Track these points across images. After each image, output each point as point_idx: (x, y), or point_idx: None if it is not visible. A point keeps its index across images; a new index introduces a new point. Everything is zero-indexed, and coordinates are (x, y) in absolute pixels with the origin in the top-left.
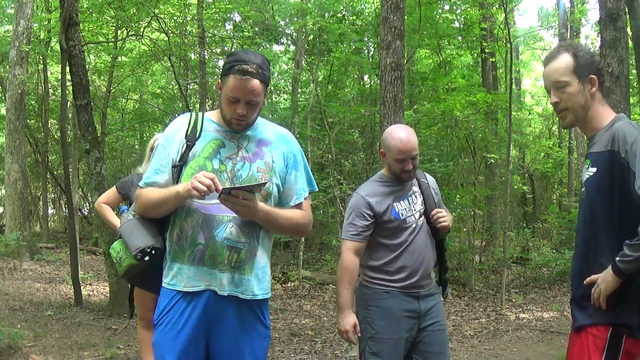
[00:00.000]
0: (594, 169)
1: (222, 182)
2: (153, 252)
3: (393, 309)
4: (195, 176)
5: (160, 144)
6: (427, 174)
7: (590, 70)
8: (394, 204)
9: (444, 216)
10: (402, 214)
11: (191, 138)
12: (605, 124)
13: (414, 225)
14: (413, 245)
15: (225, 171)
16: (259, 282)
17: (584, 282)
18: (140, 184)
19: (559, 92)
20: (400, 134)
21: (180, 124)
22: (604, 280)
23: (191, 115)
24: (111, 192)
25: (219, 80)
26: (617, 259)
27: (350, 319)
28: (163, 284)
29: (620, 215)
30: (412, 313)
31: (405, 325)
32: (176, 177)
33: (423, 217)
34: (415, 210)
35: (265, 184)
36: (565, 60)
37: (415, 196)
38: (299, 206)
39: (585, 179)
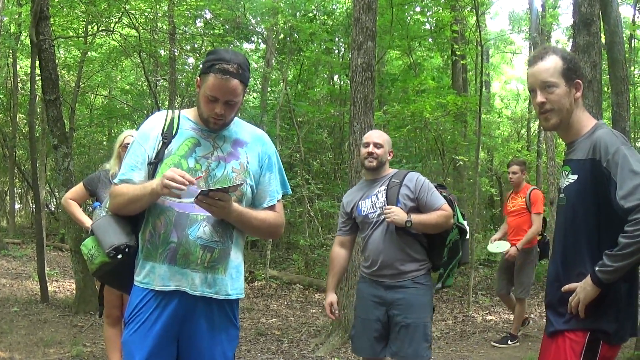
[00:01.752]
0: (575, 177)
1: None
2: (127, 250)
3: (364, 292)
4: (164, 175)
5: (136, 140)
6: (415, 177)
7: (577, 75)
8: (359, 202)
9: (388, 211)
10: (364, 211)
11: (167, 135)
12: (586, 131)
13: (375, 220)
14: (372, 238)
15: (200, 170)
16: (232, 282)
17: (562, 289)
18: (115, 180)
19: (545, 93)
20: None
21: (156, 121)
22: (583, 289)
23: (167, 112)
24: (78, 188)
25: (198, 78)
26: (597, 268)
27: (328, 298)
28: (135, 282)
29: (600, 224)
30: (378, 299)
31: (373, 309)
32: (151, 175)
33: None
34: (377, 207)
35: (241, 184)
36: (554, 61)
37: (380, 195)
38: (271, 208)
39: (565, 185)
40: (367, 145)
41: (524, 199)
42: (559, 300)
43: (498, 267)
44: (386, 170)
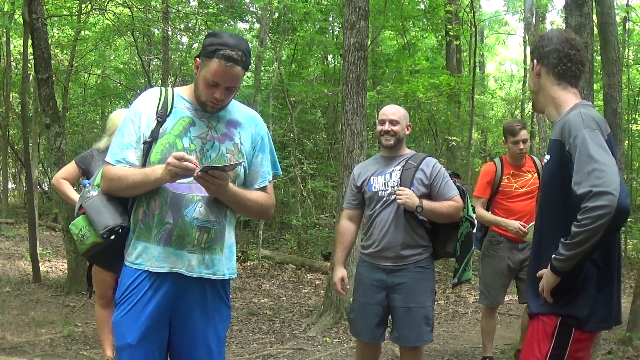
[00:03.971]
0: (549, 157)
1: None
2: (120, 231)
3: (363, 275)
4: (169, 162)
5: (128, 117)
6: (432, 163)
7: (533, 55)
8: (372, 178)
9: (401, 193)
10: (375, 187)
11: (162, 114)
12: (565, 110)
13: (385, 198)
14: (380, 216)
15: (194, 150)
16: (227, 262)
17: (537, 274)
18: (109, 160)
19: None
20: (388, 105)
21: (149, 99)
22: (546, 275)
23: (161, 90)
24: (70, 167)
25: (197, 59)
26: (553, 256)
27: (337, 273)
28: (126, 263)
29: (568, 208)
30: (379, 283)
31: (374, 294)
32: (146, 153)
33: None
34: (388, 186)
35: (239, 163)
36: None
37: (395, 173)
38: (263, 189)
39: (544, 165)
40: (382, 122)
41: (535, 174)
42: (537, 283)
43: (491, 271)
44: (403, 148)
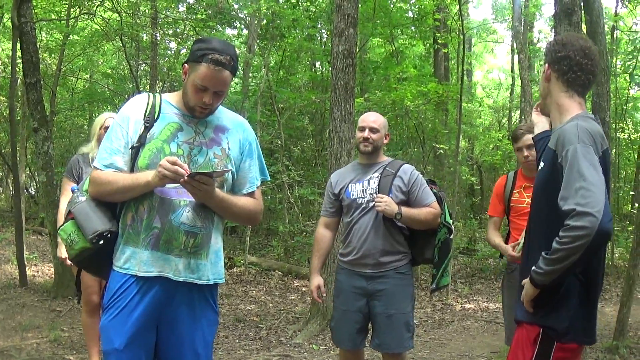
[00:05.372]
0: (543, 164)
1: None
2: (109, 236)
3: (343, 283)
4: (161, 165)
5: (117, 123)
6: (410, 170)
7: (545, 59)
8: (350, 185)
9: (380, 200)
10: (353, 195)
11: (149, 119)
12: (566, 119)
13: (363, 206)
14: (359, 223)
15: (182, 155)
16: (212, 267)
17: (522, 282)
18: (97, 165)
19: None
20: (368, 113)
21: (137, 104)
22: (525, 286)
23: (149, 96)
24: (65, 187)
25: (185, 64)
26: (533, 269)
27: (314, 281)
28: (114, 268)
29: (554, 219)
30: (359, 290)
31: (354, 301)
32: (133, 158)
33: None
34: (367, 193)
35: (227, 171)
36: None
37: (373, 181)
38: (251, 195)
39: (537, 172)
40: (362, 129)
41: None
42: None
43: (506, 285)
44: (381, 156)
